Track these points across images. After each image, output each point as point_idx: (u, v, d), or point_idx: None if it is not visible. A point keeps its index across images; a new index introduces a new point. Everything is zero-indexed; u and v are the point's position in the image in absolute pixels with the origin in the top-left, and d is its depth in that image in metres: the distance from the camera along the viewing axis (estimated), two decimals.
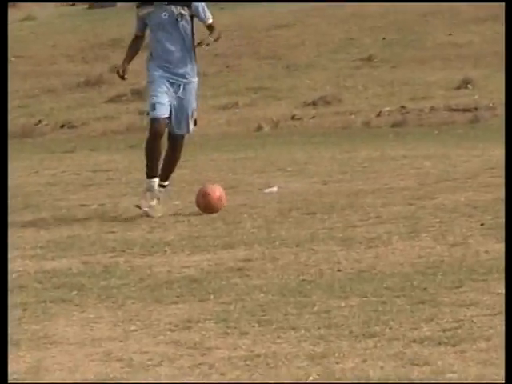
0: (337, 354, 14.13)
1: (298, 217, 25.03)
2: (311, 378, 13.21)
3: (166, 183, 21.72)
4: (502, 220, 22.84)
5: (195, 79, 20.39)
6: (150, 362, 14.25)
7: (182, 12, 17.42)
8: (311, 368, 13.56)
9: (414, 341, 14.53)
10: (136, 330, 16.14)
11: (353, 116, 48.62)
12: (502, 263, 19.08)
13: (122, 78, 18.98)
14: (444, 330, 15.07)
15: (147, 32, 21.48)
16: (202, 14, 18.39)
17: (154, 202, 19.21)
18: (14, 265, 22.10)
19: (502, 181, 28.73)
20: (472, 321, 15.45)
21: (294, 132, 47.82)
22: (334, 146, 41.17)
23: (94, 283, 20.23)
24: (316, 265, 20.00)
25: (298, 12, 75.84)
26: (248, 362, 13.96)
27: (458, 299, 16.74)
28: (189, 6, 17.70)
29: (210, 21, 19.51)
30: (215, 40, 20.89)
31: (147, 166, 18.54)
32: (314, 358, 13.94)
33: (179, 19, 17.64)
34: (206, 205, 21.95)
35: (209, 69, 60.32)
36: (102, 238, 25.40)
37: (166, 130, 20.02)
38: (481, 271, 18.91)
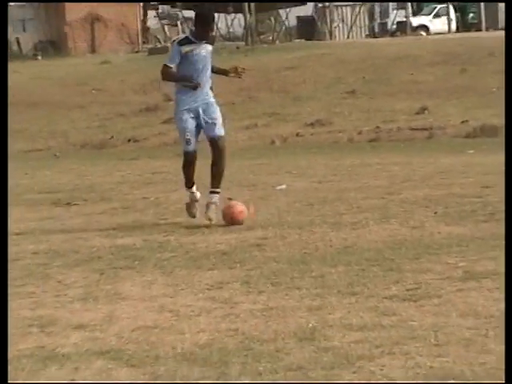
0: (329, 307, 14.59)
1: (300, 207, 25.42)
2: (310, 324, 13.65)
3: (217, 189, 20.50)
4: (451, 209, 24.00)
5: (214, 100, 19.61)
6: (192, 313, 14.61)
7: (210, 49, 17.11)
8: (310, 317, 14.02)
9: (385, 298, 14.95)
10: (182, 290, 16.41)
11: (340, 134, 49.24)
12: (450, 241, 19.83)
13: (199, 85, 18.28)
14: (407, 290, 15.48)
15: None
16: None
17: (196, 207, 19.09)
18: (94, 241, 22.46)
19: (450, 181, 29.63)
20: (428, 283, 15.81)
21: (297, 145, 48.25)
22: (327, 155, 41.62)
23: (151, 255, 20.69)
24: (314, 242, 20.48)
25: (301, 58, 76.25)
26: (264, 313, 14.42)
27: (417, 267, 17.16)
28: (212, 45, 17.84)
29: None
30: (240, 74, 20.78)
31: (185, 180, 18.75)
32: (312, 310, 14.41)
33: (210, 57, 17.26)
34: (230, 217, 20.86)
35: (236, 99, 60.57)
36: (157, 222, 25.54)
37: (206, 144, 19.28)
38: (434, 247, 19.13)
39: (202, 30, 15.55)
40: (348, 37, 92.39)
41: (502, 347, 11.61)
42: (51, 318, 14.30)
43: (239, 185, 32.66)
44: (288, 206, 26.16)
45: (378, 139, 46.54)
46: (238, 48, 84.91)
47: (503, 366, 10.91)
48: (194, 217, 19.12)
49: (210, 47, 16.80)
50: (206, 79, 16.55)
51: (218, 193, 19.54)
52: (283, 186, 30.49)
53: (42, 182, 33.24)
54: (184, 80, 17.21)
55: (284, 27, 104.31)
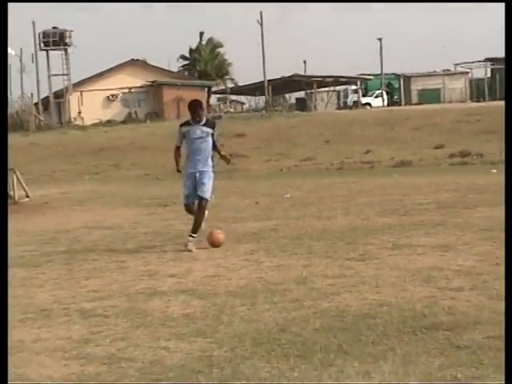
0: (314, 265, 14.66)
1: (298, 207, 24.82)
2: (304, 274, 13.81)
3: (192, 234, 17.52)
4: (384, 208, 23.24)
5: (209, 170, 17.25)
6: (235, 268, 14.79)
7: (209, 131, 15.63)
8: (303, 270, 14.22)
9: (347, 259, 15.08)
10: (230, 254, 16.27)
11: (321, 165, 48.05)
12: (383, 227, 19.29)
13: (180, 171, 16.99)
14: (360, 255, 15.46)
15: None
16: (216, 137, 16.25)
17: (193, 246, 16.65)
18: (180, 227, 20.96)
19: (383, 192, 28.80)
20: (371, 251, 15.75)
21: (296, 172, 46.62)
22: (313, 178, 40.08)
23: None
24: (305, 227, 19.82)
25: (297, 121, 73.45)
26: (277, 268, 14.60)
27: (365, 242, 16.93)
28: (213, 128, 16.03)
29: (218, 144, 17.05)
30: (226, 159, 18.17)
31: (195, 224, 16.95)
32: (305, 267, 14.45)
33: (208, 137, 15.78)
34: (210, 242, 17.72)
35: (260, 144, 58.56)
36: (215, 216, 23.73)
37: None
38: (375, 230, 18.70)
39: (191, 115, 14.92)
40: (325, 109, 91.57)
41: (416, 288, 12.13)
42: (155, 270, 14.57)
43: (263, 194, 31.39)
44: (291, 207, 25.27)
45: (343, 168, 45.84)
46: (261, 116, 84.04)
47: (415, 299, 11.38)
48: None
49: (207, 129, 15.44)
50: (205, 153, 15.38)
51: (193, 237, 17.23)
52: (288, 195, 29.48)
53: (149, 193, 32.64)
54: (175, 161, 16.48)
55: (288, 103, 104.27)
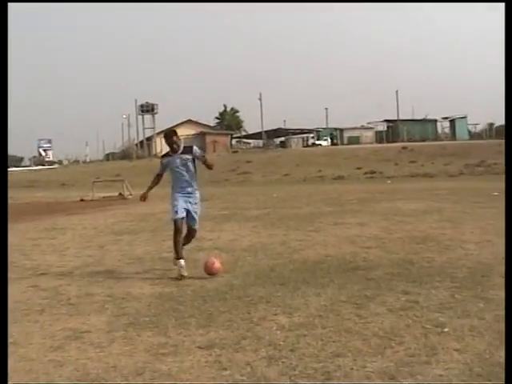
0: (290, 234, 14.40)
1: (281, 202, 24.48)
2: (284, 239, 13.21)
3: (186, 245, 12.05)
4: (330, 202, 22.72)
5: (197, 193, 11.71)
6: (245, 235, 14.44)
7: (188, 157, 11.26)
8: (284, 237, 13.90)
9: (308, 231, 14.76)
10: (242, 228, 15.81)
11: (294, 178, 47.19)
12: (328, 213, 18.70)
13: (144, 200, 11.88)
14: (315, 228, 15.15)
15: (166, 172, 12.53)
16: (199, 155, 11.55)
17: (184, 270, 10.33)
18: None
19: (328, 193, 28.38)
20: (321, 226, 15.46)
21: (280, 182, 45.89)
22: (289, 186, 39.17)
23: (239, 217, 19.11)
24: (285, 213, 19.44)
25: (280, 155, 72.68)
26: (269, 236, 14.24)
27: (318, 221, 16.65)
28: (191, 153, 11.32)
29: (204, 159, 11.90)
30: (210, 166, 11.89)
31: (175, 252, 11.02)
32: (284, 235, 14.31)
33: (188, 162, 11.33)
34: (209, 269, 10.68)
35: (259, 166, 58.37)
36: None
37: (186, 225, 11.53)
38: (323, 215, 18.25)
39: (169, 146, 11.01)
40: (296, 147, 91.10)
41: (346, 246, 12.15)
42: (200, 236, 14.36)
43: (260, 194, 30.76)
44: (277, 202, 24.93)
45: (306, 180, 45.25)
46: (261, 150, 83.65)
47: (345, 253, 11.38)
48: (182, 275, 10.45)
49: (185, 156, 11.11)
50: (189, 177, 10.98)
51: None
52: (275, 195, 28.77)
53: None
54: (148, 186, 11.37)
55: (275, 143, 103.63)
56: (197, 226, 10.69)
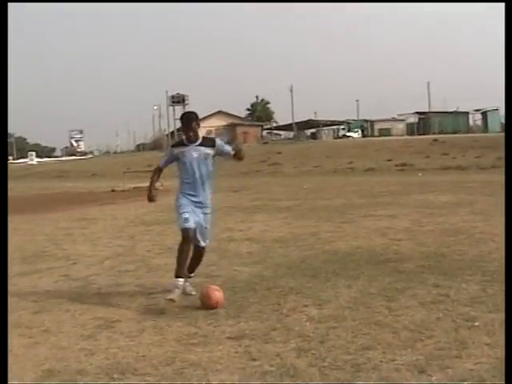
0: (321, 225, 14.36)
1: (311, 193, 24.41)
2: (315, 230, 13.19)
3: (192, 274, 8.77)
4: (361, 194, 22.58)
5: (209, 208, 8.66)
6: (276, 226, 14.33)
7: (209, 152, 8.56)
8: (315, 228, 13.81)
9: (339, 222, 14.62)
10: (273, 219, 15.79)
11: (324, 170, 46.75)
12: (360, 205, 18.56)
13: (153, 201, 8.92)
14: (346, 220, 15.01)
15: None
16: (225, 149, 8.85)
17: (177, 295, 7.74)
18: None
19: (359, 185, 28.20)
20: (352, 218, 15.29)
21: (310, 173, 45.50)
22: (320, 177, 38.93)
23: (265, 209, 19.02)
24: (316, 204, 19.43)
25: (311, 146, 71.84)
26: (300, 227, 14.21)
27: (349, 212, 16.48)
28: (213, 147, 8.68)
29: (232, 152, 9.00)
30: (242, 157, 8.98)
31: (177, 266, 8.15)
32: (315, 226, 14.07)
33: (207, 158, 8.57)
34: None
35: (289, 158, 57.67)
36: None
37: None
38: (354, 207, 18.10)
39: (185, 131, 8.60)
40: (326, 139, 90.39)
41: (377, 238, 12.11)
42: (231, 227, 14.52)
43: (291, 186, 30.49)
44: (307, 193, 24.78)
45: (336, 171, 44.82)
46: (291, 142, 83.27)
47: (376, 245, 11.34)
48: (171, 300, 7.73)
49: (205, 149, 8.56)
50: (205, 179, 8.54)
51: (190, 277, 8.71)
52: (305, 186, 28.71)
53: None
54: (150, 184, 8.80)
55: (306, 135, 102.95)
56: (206, 243, 8.18)
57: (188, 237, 7.79)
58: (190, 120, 8.11)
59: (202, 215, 8.00)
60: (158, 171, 8.42)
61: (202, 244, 8.15)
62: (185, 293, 7.79)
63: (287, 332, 6.24)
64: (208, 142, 8.18)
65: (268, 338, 6.09)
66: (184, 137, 8.15)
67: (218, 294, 7.38)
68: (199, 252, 8.21)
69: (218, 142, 8.23)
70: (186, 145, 8.12)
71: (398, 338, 5.86)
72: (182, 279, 7.69)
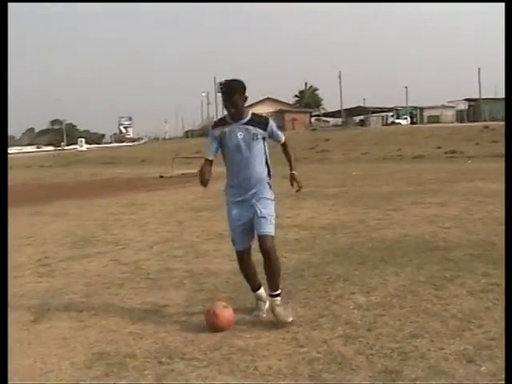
0: (368, 213, 14.14)
1: (359, 180, 24.14)
2: (362, 218, 13.17)
3: (277, 292, 6.34)
4: (409, 181, 22.38)
5: (268, 195, 6.37)
6: (323, 213, 14.15)
7: (258, 132, 6.24)
8: (362, 216, 13.75)
9: (386, 210, 14.43)
10: (321, 206, 15.74)
11: (373, 157, 46.10)
12: (408, 192, 18.40)
13: (205, 184, 6.26)
14: (394, 207, 14.81)
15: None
16: (276, 134, 6.47)
17: (262, 307, 6.58)
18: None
19: (407, 172, 27.89)
20: (400, 205, 15.18)
21: (358, 160, 45.07)
22: (368, 164, 38.54)
23: (312, 196, 18.91)
24: (364, 192, 19.19)
25: (359, 133, 70.96)
26: (347, 214, 14.02)
27: (397, 200, 16.38)
28: (263, 128, 6.31)
29: (283, 139, 6.59)
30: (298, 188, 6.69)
31: (248, 283, 6.78)
32: (363, 213, 13.97)
33: (256, 140, 6.22)
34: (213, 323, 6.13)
35: (338, 144, 57.48)
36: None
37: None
38: (402, 194, 17.91)
39: (227, 106, 6.20)
40: (375, 126, 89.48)
41: (425, 226, 12.02)
42: (278, 214, 14.38)
43: (339, 172, 30.28)
44: (355, 179, 24.50)
45: (385, 159, 44.33)
46: (339, 129, 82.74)
47: (424, 232, 11.24)
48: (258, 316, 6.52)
49: (255, 129, 6.26)
50: (257, 167, 6.31)
51: (277, 295, 6.34)
52: (354, 173, 28.26)
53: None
54: (201, 181, 6.27)
55: (354, 122, 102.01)
56: (271, 230, 6.23)
57: (242, 258, 6.56)
58: (232, 91, 6.17)
59: (252, 208, 6.25)
60: (208, 165, 6.26)
61: (265, 232, 6.17)
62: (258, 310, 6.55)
63: (334, 319, 6.23)
64: (259, 120, 6.37)
65: (315, 324, 6.09)
66: (227, 113, 6.29)
67: (227, 313, 6.10)
68: (266, 247, 6.18)
69: (272, 123, 6.43)
70: (228, 123, 6.29)
71: (447, 327, 5.81)
72: (259, 290, 6.60)
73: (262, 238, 6.19)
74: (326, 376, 4.80)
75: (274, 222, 6.29)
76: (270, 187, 6.45)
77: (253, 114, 6.36)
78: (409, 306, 6.56)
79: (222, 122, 6.37)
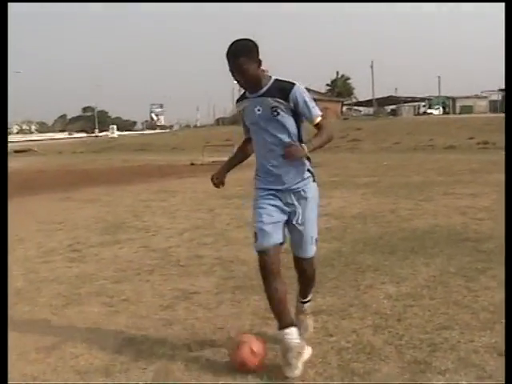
0: (399, 203, 14.04)
1: (391, 170, 24.05)
2: (393, 207, 13.12)
3: (307, 299, 5.38)
4: (441, 171, 22.25)
5: (310, 194, 4.75)
6: (354, 202, 14.05)
7: (278, 103, 4.31)
8: (393, 206, 13.62)
9: (418, 200, 14.35)
10: (352, 195, 15.62)
11: (404, 147, 45.83)
12: (439, 183, 18.24)
13: (218, 185, 5.27)
14: (425, 198, 14.74)
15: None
16: (305, 109, 4.45)
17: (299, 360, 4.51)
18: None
19: (438, 162, 27.72)
20: (431, 196, 15.04)
21: (390, 150, 45.04)
22: (399, 154, 38.49)
23: (347, 183, 18.90)
24: (395, 181, 19.09)
25: (389, 122, 70.88)
26: (378, 203, 13.93)
27: (428, 190, 16.23)
28: (285, 97, 4.35)
29: (318, 119, 4.54)
30: (308, 152, 4.48)
31: (274, 316, 4.71)
32: (394, 203, 13.83)
33: (275, 114, 4.31)
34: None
35: (369, 134, 56.88)
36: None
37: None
38: (434, 184, 17.73)
39: (233, 78, 4.50)
40: (407, 115, 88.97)
41: (457, 217, 11.91)
42: None
43: (370, 162, 29.89)
44: (386, 169, 24.35)
45: (416, 149, 44.03)
46: (371, 118, 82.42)
47: (456, 223, 11.17)
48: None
49: (272, 101, 4.42)
50: (277, 152, 4.52)
51: (307, 301, 5.40)
52: (385, 163, 27.83)
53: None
54: (228, 162, 5.44)
55: (386, 111, 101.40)
56: (307, 254, 4.99)
57: (266, 265, 4.64)
58: (235, 54, 4.55)
59: (287, 209, 4.78)
60: (246, 143, 5.23)
61: (305, 255, 4.96)
62: (300, 334, 4.88)
63: (364, 309, 6.21)
64: (280, 87, 4.62)
65: (345, 314, 6.08)
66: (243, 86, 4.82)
67: (246, 351, 4.68)
68: (302, 268, 5.07)
69: (298, 90, 4.59)
70: (246, 97, 4.88)
71: (477, 319, 5.76)
72: (288, 329, 4.73)
73: (300, 261, 4.99)
74: (354, 365, 4.78)
75: (317, 237, 4.93)
76: (313, 176, 4.91)
77: (276, 80, 4.67)
78: (439, 297, 6.51)
79: (241, 97, 4.94)
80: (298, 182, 4.76)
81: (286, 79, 4.69)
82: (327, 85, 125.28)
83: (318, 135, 4.68)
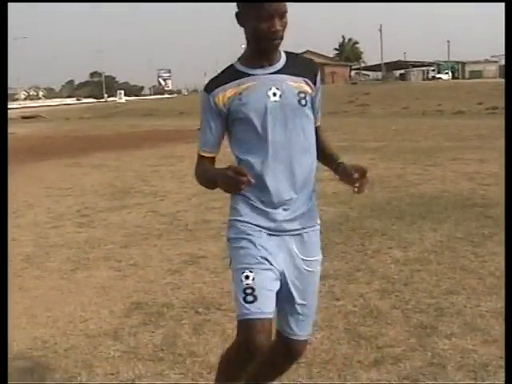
0: (407, 168, 14.03)
1: (399, 135, 23.82)
2: (401, 173, 12.97)
3: None
4: (449, 137, 22.14)
5: (315, 216, 2.86)
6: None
7: (307, 89, 2.40)
8: (401, 171, 13.57)
9: (425, 165, 14.24)
10: (358, 159, 15.39)
11: (413, 111, 45.59)
12: (447, 148, 18.22)
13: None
14: (433, 163, 14.67)
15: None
16: (318, 102, 2.66)
17: None
18: None
19: (447, 128, 27.53)
20: (439, 161, 15.01)
21: (398, 115, 44.68)
22: (408, 119, 38.31)
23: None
24: (402, 146, 19.00)
25: (399, 87, 70.47)
26: (386, 168, 13.85)
27: (436, 156, 16.17)
28: (315, 78, 2.50)
29: (318, 123, 2.76)
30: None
31: None
32: (402, 168, 13.84)
33: (303, 103, 2.30)
34: None
35: (377, 99, 56.23)
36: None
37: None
38: (442, 150, 17.64)
39: (253, 32, 2.46)
40: (415, 80, 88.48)
41: (464, 182, 11.92)
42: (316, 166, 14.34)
43: (378, 127, 29.55)
44: (395, 134, 24.15)
45: (425, 114, 43.82)
46: (379, 82, 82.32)
47: (463, 189, 11.16)
48: None
49: (295, 81, 2.47)
50: (296, 158, 2.60)
51: None
52: (394, 128, 27.48)
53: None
54: (206, 182, 3.13)
55: (394, 76, 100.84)
56: (307, 335, 3.01)
57: (251, 343, 2.61)
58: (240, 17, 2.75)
59: (295, 260, 2.88)
60: (208, 163, 3.50)
61: (297, 335, 2.98)
62: None
63: (371, 273, 6.24)
64: (300, 63, 2.87)
65: (352, 278, 6.11)
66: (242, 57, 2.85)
67: None
68: (293, 358, 3.12)
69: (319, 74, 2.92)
70: (245, 74, 2.77)
71: (484, 284, 5.78)
72: None
73: (294, 343, 3.01)
74: (361, 329, 4.82)
75: (315, 311, 3.07)
76: (313, 206, 3.14)
77: (289, 53, 2.88)
78: (446, 262, 6.54)
79: (230, 74, 2.81)
80: (307, 220, 3.02)
81: (302, 56, 3.07)
82: (335, 49, 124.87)
83: (328, 144, 3.23)
